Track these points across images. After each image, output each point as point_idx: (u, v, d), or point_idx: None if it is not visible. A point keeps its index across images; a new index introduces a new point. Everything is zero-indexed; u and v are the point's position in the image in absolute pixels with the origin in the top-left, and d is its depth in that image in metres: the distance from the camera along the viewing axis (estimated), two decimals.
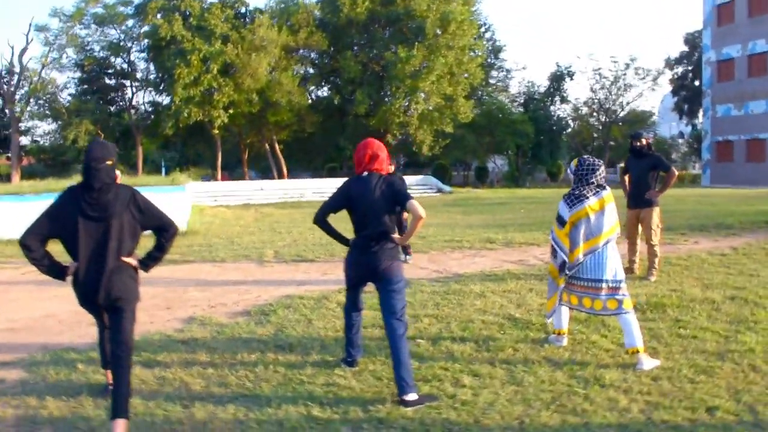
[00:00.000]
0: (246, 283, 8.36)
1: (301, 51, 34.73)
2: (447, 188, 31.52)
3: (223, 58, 29.22)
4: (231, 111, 30.90)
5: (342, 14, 32.71)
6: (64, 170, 38.67)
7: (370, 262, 4.13)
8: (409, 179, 32.48)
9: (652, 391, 3.96)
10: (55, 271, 3.60)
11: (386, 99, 32.97)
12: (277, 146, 36.56)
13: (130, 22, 33.47)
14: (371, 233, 4.12)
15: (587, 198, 4.59)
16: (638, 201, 7.60)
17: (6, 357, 5.30)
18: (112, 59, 35.59)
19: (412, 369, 3.99)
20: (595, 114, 49.47)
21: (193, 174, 38.90)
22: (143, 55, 35.02)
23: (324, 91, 39.78)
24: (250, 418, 3.74)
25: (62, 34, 32.66)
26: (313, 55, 36.22)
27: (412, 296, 6.88)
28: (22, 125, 37.57)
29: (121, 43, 34.33)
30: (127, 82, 37.05)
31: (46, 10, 73.33)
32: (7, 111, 36.47)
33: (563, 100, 46.72)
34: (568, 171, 4.90)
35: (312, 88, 37.96)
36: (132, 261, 3.68)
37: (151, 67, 35.15)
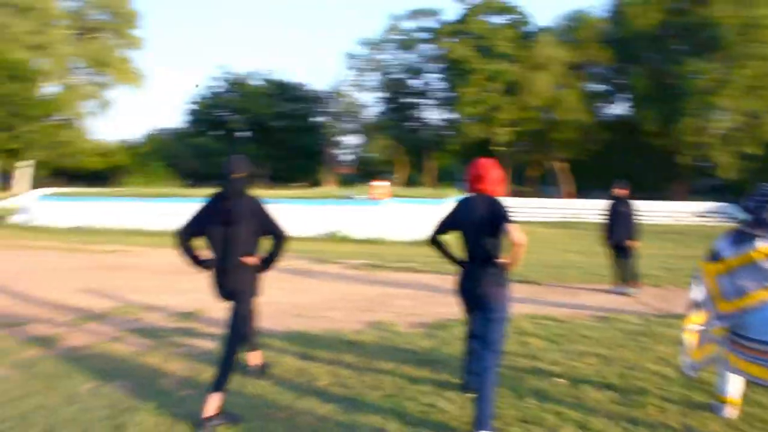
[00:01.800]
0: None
1: (587, 67, 33.55)
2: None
3: (505, 77, 29.82)
4: (513, 129, 31.31)
5: (631, 27, 30.73)
6: (373, 178, 43.14)
7: (470, 286, 4.03)
8: (692, 206, 28.87)
9: None
10: (198, 262, 4.27)
11: (679, 117, 30.01)
12: (561, 164, 35.81)
13: (425, 47, 36.34)
14: (474, 256, 4.03)
15: (754, 239, 3.79)
16: None
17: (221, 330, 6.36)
18: (410, 81, 38.91)
19: (493, 405, 3.77)
20: None
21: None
22: (436, 76, 37.61)
23: (614, 109, 37.77)
24: (334, 419, 3.96)
25: (368, 60, 36.92)
26: (599, 70, 34.72)
27: (602, 332, 6.39)
28: (337, 140, 43.03)
29: (420, 66, 37.41)
30: (423, 101, 40.09)
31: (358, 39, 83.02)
32: (326, 128, 42.06)
33: None
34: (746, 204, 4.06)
35: (599, 105, 36.25)
36: (252, 261, 4.17)
37: (443, 87, 37.58)
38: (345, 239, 15.85)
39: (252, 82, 44.77)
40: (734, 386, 4.14)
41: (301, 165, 46.48)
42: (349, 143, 45.84)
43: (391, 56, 37.79)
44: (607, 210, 9.22)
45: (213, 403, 3.83)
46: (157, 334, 6.19)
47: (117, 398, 4.29)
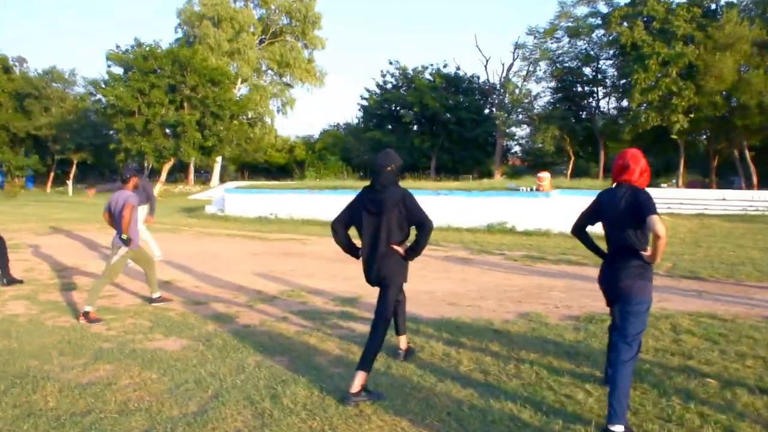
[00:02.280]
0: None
1: None
2: None
3: (683, 60, 27.52)
4: (692, 115, 28.84)
5: None
6: (541, 169, 42.25)
7: (611, 278, 3.97)
8: None
9: None
10: (351, 250, 4.63)
11: None
12: (747, 153, 32.30)
13: (598, 33, 34.59)
14: (615, 248, 3.96)
15: None
16: None
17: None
18: (581, 69, 37.28)
19: (627, 401, 3.69)
20: None
21: (666, 180, 37.65)
22: (608, 62, 35.78)
23: None
24: (469, 403, 4.09)
25: (536, 49, 35.97)
26: None
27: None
28: (507, 131, 42.55)
29: (591, 53, 35.69)
30: (596, 89, 38.27)
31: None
32: (496, 119, 41.76)
33: None
34: None
35: None
36: (399, 249, 4.42)
37: (615, 73, 35.69)
38: (509, 230, 15.79)
39: (422, 76, 45.78)
40: None
41: (471, 156, 46.61)
42: (520, 134, 45.33)
43: (560, 44, 36.62)
44: None
45: (358, 381, 4.14)
46: (319, 317, 6.72)
47: (277, 371, 4.78)
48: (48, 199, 33.97)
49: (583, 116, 38.80)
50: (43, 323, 6.39)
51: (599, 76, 36.76)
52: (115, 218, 6.87)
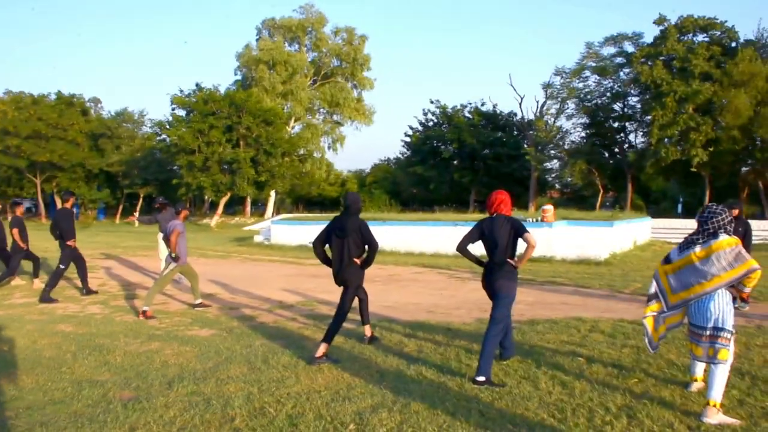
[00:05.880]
0: (567, 305, 9.87)
1: None
2: None
3: (699, 97, 28.74)
4: (711, 148, 29.87)
5: None
6: (581, 203, 43.33)
7: (490, 280, 5.79)
8: None
9: None
10: (326, 261, 6.61)
11: None
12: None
13: (624, 70, 36.05)
14: (494, 259, 5.78)
15: (694, 246, 4.82)
16: None
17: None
18: (612, 105, 38.74)
19: (491, 360, 5.44)
20: None
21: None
22: (634, 100, 37.15)
23: None
24: (395, 366, 5.95)
25: (563, 88, 37.68)
26: None
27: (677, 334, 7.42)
28: (542, 166, 44.08)
29: (619, 90, 37.19)
30: (626, 124, 39.62)
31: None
32: (530, 155, 43.45)
33: None
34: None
35: None
36: (357, 261, 6.38)
37: (639, 110, 37.05)
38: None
39: (462, 114, 48.05)
40: (695, 367, 5.30)
41: (509, 190, 47.78)
42: (553, 169, 46.79)
43: (587, 83, 38.27)
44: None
45: (321, 349, 6.08)
46: (319, 319, 8.67)
47: (273, 348, 6.75)
48: (117, 229, 37.21)
49: (615, 150, 40.03)
50: (113, 319, 8.60)
51: (629, 112, 38.07)
52: (166, 240, 9.07)
